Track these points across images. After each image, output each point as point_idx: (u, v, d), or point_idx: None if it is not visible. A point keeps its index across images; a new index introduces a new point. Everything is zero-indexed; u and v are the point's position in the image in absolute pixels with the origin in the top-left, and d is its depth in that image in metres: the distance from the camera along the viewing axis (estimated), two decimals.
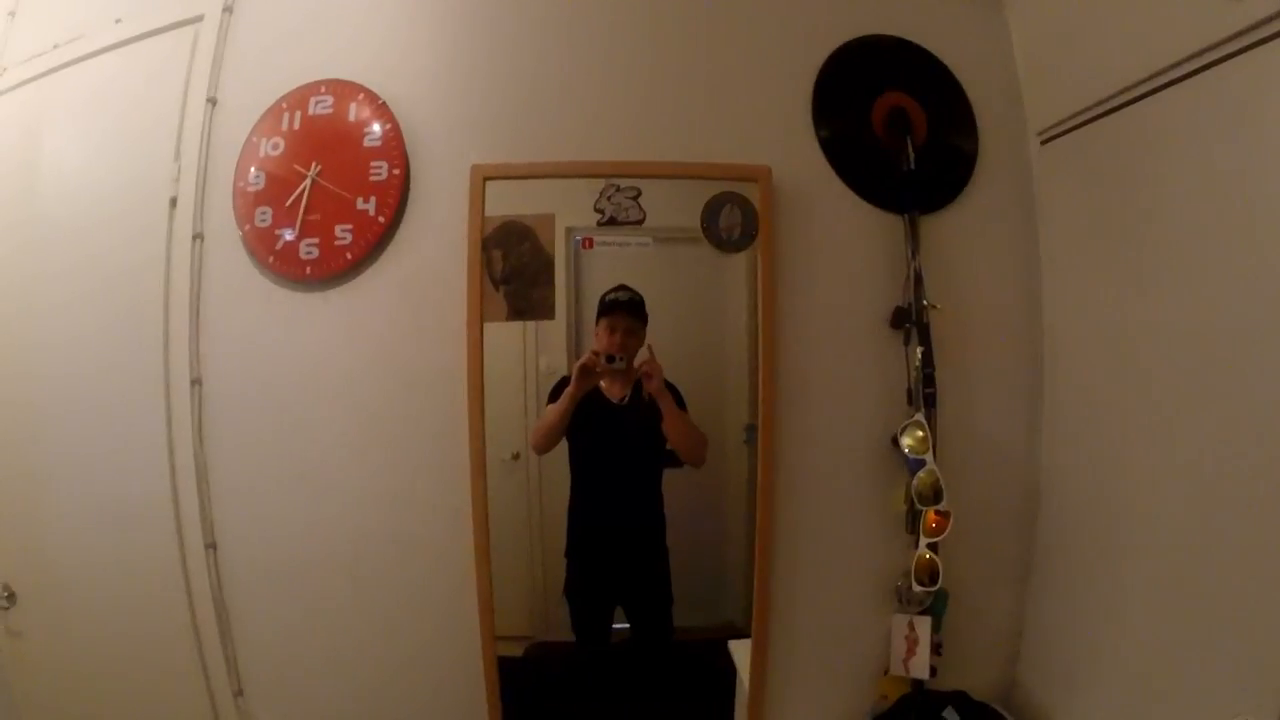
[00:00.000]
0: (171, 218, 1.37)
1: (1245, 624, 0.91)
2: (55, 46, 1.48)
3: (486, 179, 1.28)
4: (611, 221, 1.29)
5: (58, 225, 1.44)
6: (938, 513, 1.23)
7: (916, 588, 1.23)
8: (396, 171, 1.32)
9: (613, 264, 1.32)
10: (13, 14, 1.57)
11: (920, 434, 1.24)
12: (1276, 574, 0.87)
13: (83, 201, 1.43)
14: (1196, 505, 1.00)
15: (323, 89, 1.36)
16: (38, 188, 1.46)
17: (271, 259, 1.33)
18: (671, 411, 1.30)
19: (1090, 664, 1.18)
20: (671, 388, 1.31)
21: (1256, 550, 0.90)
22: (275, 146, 1.35)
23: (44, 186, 1.46)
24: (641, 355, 1.30)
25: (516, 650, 1.35)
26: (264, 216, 1.33)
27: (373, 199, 1.32)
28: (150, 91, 1.41)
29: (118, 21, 1.45)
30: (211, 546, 1.34)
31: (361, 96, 1.35)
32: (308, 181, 1.32)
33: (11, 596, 1.42)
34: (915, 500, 1.24)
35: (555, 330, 1.33)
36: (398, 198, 1.32)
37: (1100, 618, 1.18)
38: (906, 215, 1.31)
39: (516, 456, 1.35)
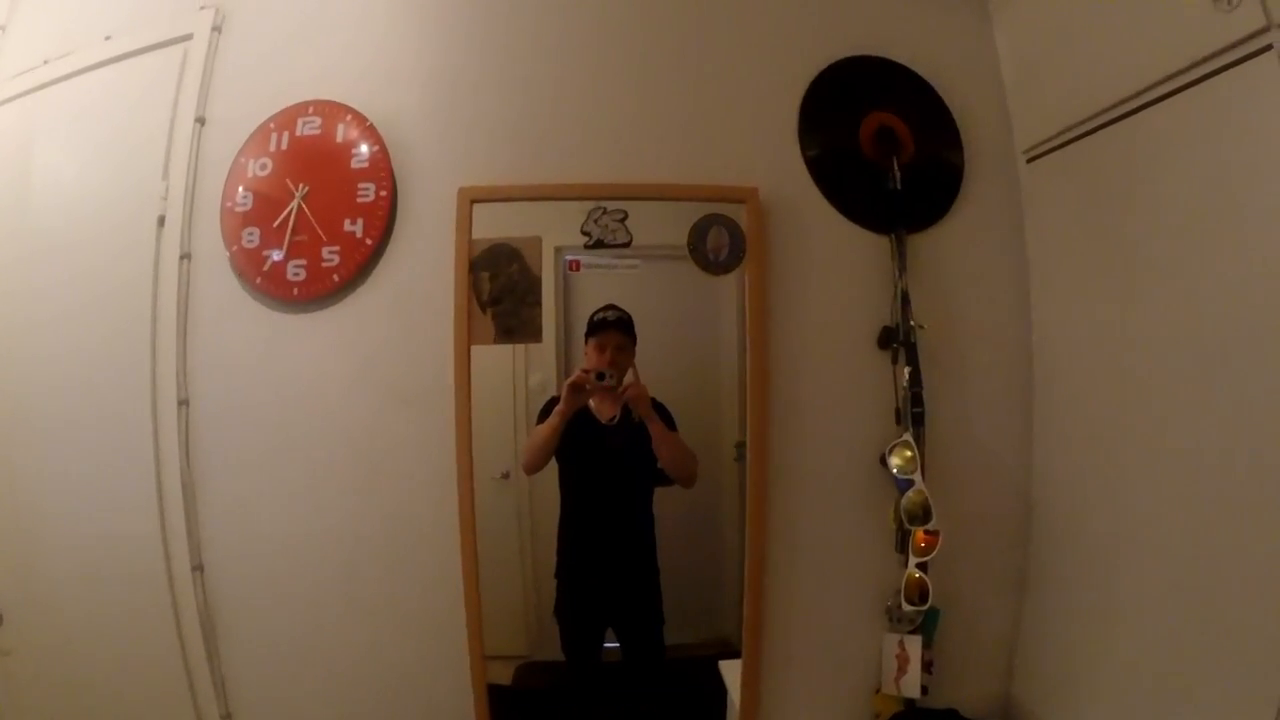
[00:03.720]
0: (159, 237, 1.36)
1: (1243, 634, 0.91)
2: (45, 62, 1.48)
3: (474, 201, 1.28)
4: (599, 244, 1.29)
5: (47, 241, 1.43)
6: (927, 532, 1.23)
7: (907, 607, 1.23)
8: (384, 193, 1.32)
9: (601, 285, 1.32)
10: (3, 28, 1.57)
11: (908, 454, 1.24)
12: (1274, 582, 0.87)
13: (72, 218, 1.42)
14: (1191, 516, 1.00)
15: (311, 109, 1.36)
16: (27, 203, 1.45)
17: (259, 280, 1.33)
18: (661, 433, 1.29)
19: (1085, 678, 1.18)
20: (661, 407, 1.31)
21: (1253, 559, 0.90)
22: (263, 167, 1.35)
23: (34, 202, 1.45)
24: (627, 379, 1.29)
25: (508, 669, 1.34)
26: (251, 237, 1.33)
27: (360, 220, 1.32)
28: (139, 109, 1.41)
29: (108, 39, 1.45)
30: (199, 568, 1.33)
31: (349, 117, 1.35)
32: (295, 202, 1.32)
33: None
34: (904, 520, 1.24)
35: (545, 352, 1.32)
36: (385, 219, 1.32)
37: (1096, 631, 1.17)
38: (894, 234, 1.32)
39: (506, 475, 1.35)
